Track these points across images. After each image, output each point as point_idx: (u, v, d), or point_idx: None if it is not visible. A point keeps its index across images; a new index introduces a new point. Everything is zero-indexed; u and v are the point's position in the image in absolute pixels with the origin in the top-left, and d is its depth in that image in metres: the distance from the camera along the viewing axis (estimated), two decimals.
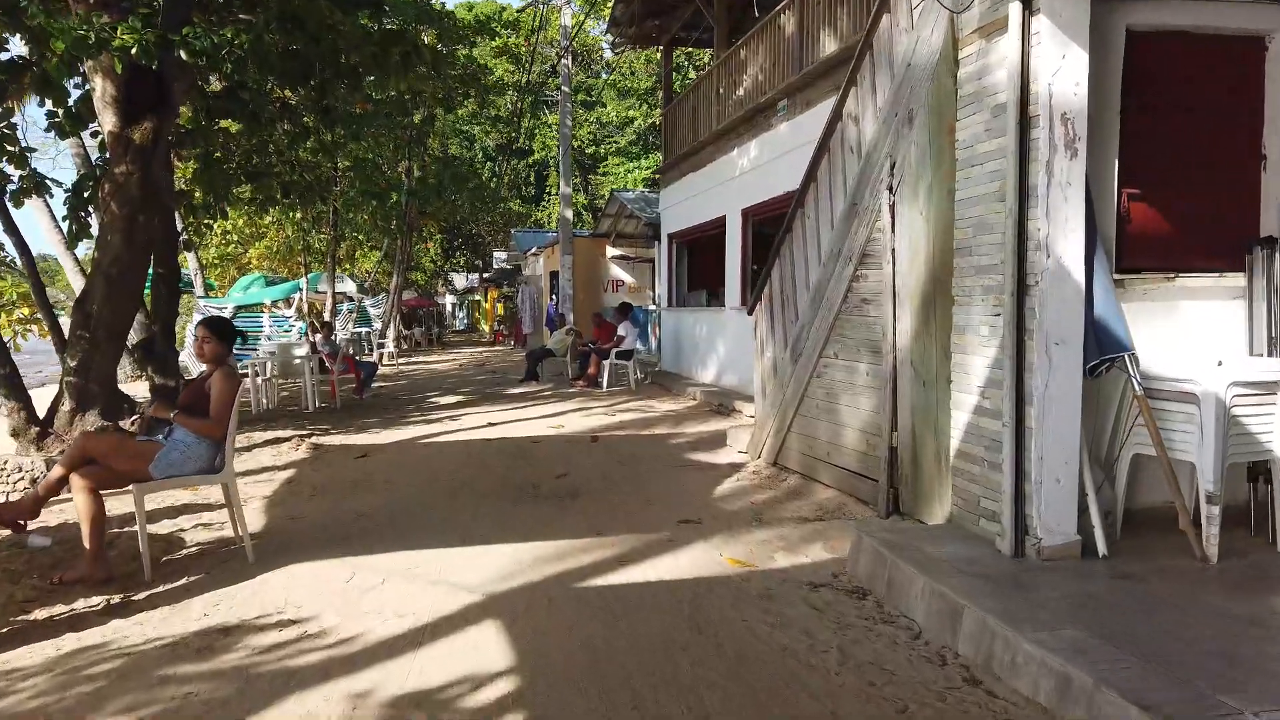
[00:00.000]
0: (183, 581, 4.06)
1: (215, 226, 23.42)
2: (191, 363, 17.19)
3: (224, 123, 12.55)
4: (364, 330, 24.48)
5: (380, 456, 7.40)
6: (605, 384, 13.13)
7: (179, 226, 12.90)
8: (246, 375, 11.39)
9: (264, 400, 11.54)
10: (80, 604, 3.75)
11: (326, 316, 18.91)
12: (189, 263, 18.45)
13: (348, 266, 29.18)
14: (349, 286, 22.84)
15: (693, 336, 13.35)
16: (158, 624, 3.49)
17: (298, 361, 11.72)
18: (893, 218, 4.81)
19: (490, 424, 9.34)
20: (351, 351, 23.78)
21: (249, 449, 7.77)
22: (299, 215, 16.56)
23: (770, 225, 12.95)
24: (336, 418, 10.25)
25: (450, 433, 8.78)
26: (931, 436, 4.49)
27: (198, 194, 12.75)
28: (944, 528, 4.10)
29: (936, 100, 4.38)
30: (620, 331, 13.23)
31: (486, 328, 44.27)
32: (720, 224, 12.14)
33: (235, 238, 25.01)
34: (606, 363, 13.11)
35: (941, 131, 4.34)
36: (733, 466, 6.75)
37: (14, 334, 14.82)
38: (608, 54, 40.30)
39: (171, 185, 9.97)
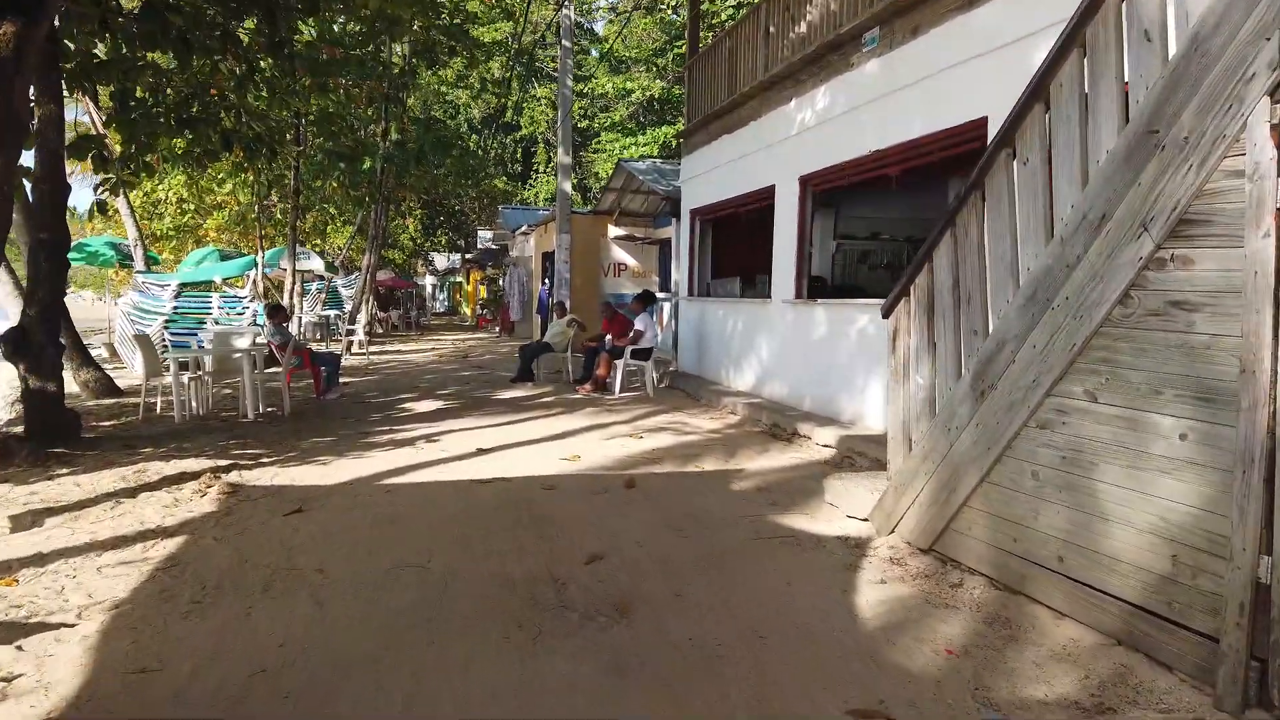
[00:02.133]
0: None
1: (159, 190, 20.88)
2: (125, 352, 14.70)
3: (152, 56, 10.15)
4: (333, 313, 22.02)
5: (321, 512, 5.03)
6: (618, 389, 10.80)
7: (73, 178, 10.50)
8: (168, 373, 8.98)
9: (194, 405, 9.13)
10: None
11: (286, 299, 16.41)
12: (128, 231, 15.90)
13: (317, 242, 26.62)
14: (316, 264, 20.32)
15: (722, 333, 11.05)
16: None
17: (237, 355, 9.31)
18: None
19: (480, 450, 6.99)
20: (319, 337, 21.34)
21: (135, 492, 5.37)
22: (250, 177, 14.05)
23: (839, 197, 10.73)
24: (279, 431, 7.87)
25: (426, 465, 6.40)
26: None
27: (115, 141, 10.26)
28: None
29: None
30: (638, 325, 10.89)
31: (468, 310, 41.84)
32: (766, 195, 9.82)
33: (192, 205, 22.45)
34: (620, 363, 10.78)
35: None
36: (852, 545, 4.46)
37: None
38: (598, 27, 37.77)
39: (58, 121, 7.53)
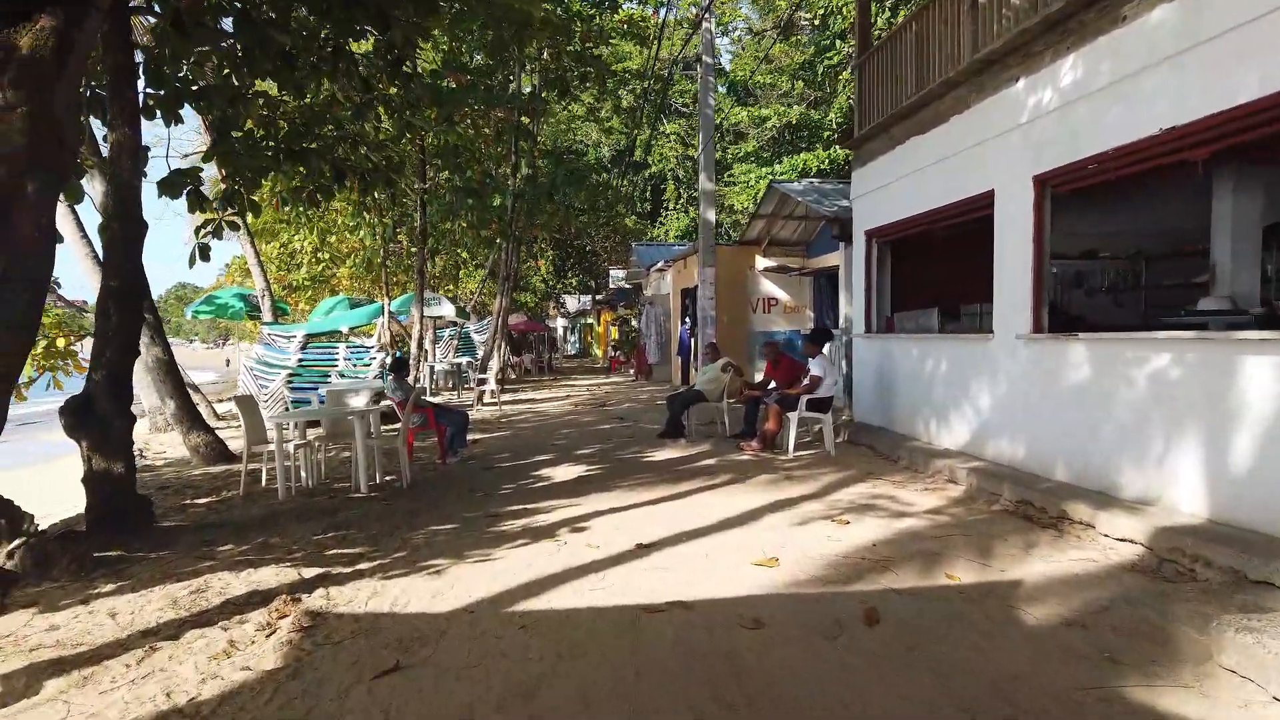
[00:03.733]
0: None
1: (295, 239, 20.51)
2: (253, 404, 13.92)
3: (262, 84, 9.19)
4: (465, 360, 21.07)
5: (425, 671, 3.40)
6: (791, 447, 8.93)
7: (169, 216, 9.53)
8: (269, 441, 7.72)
9: (304, 477, 7.88)
10: None
11: (415, 346, 15.35)
12: (255, 281, 15.29)
13: (449, 288, 26.01)
14: (447, 309, 19.39)
15: (917, 377, 9.02)
16: None
17: (349, 416, 7.99)
18: None
19: (641, 546, 5.26)
20: (451, 386, 20.37)
21: (182, 628, 3.90)
22: (374, 218, 13.06)
23: (1088, 199, 8.60)
24: (392, 513, 6.41)
25: (573, 575, 4.70)
26: None
27: (218, 176, 9.31)
28: None
29: None
30: (814, 370, 9.00)
31: (600, 353, 40.92)
32: (978, 205, 7.83)
33: (327, 255, 22.13)
34: (793, 416, 8.91)
35: None
36: None
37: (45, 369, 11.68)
38: (724, 61, 36.36)
39: (134, 147, 6.38)
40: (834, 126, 31.04)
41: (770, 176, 29.34)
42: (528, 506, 6.61)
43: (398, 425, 8.97)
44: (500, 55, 13.88)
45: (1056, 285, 10.36)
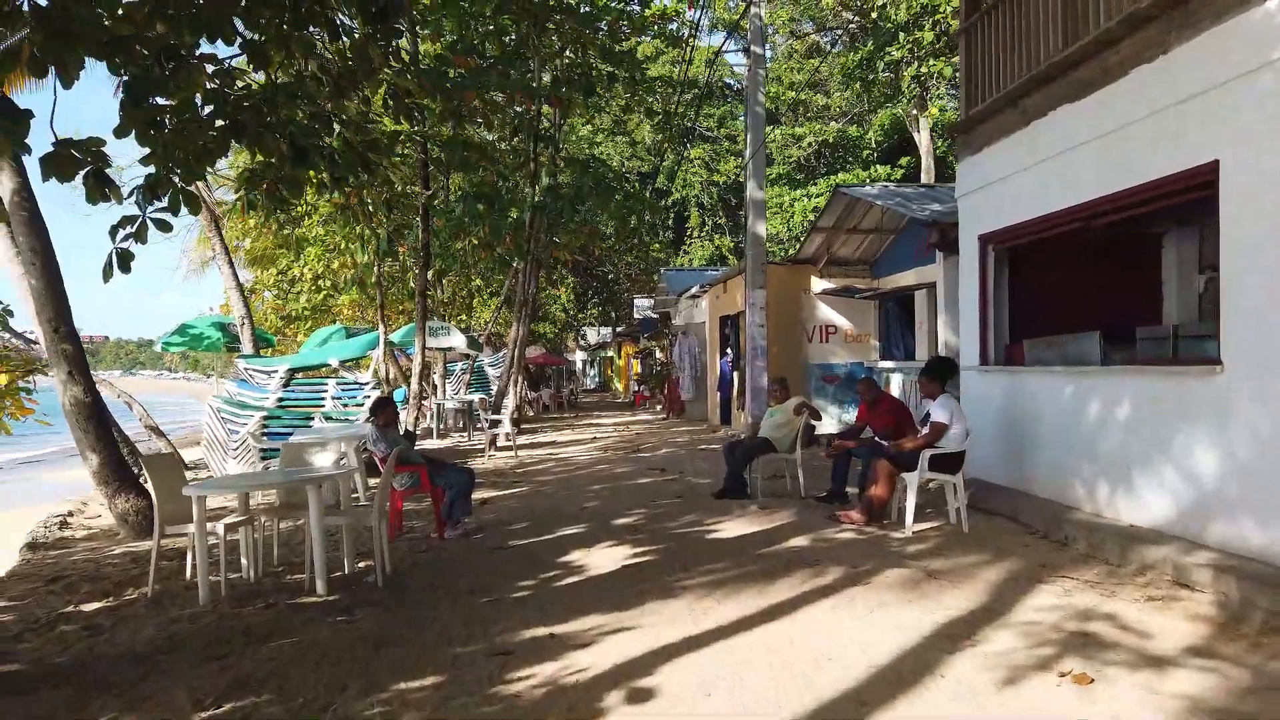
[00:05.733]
0: None
1: (295, 266, 18.47)
2: (215, 459, 11.70)
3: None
4: (478, 397, 18.88)
5: None
6: (910, 520, 6.60)
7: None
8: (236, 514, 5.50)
9: (245, 565, 5.68)
10: None
11: (415, 381, 13.14)
12: (233, 308, 13.21)
13: (462, 318, 23.90)
14: (458, 340, 17.24)
15: (1074, 423, 6.71)
16: None
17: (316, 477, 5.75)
18: None
19: None
20: (461, 426, 18.15)
21: None
22: (363, 227, 10.94)
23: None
24: (352, 643, 4.16)
25: None
26: None
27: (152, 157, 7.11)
28: None
29: None
30: (938, 415, 6.67)
31: (620, 386, 38.88)
32: (1182, 186, 5.58)
33: (328, 282, 20.08)
34: (912, 477, 6.59)
35: None
36: None
37: None
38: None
39: None
40: (874, 145, 29.02)
41: (806, 198, 27.32)
42: (555, 631, 4.34)
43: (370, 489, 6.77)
44: (517, 46, 11.89)
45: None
